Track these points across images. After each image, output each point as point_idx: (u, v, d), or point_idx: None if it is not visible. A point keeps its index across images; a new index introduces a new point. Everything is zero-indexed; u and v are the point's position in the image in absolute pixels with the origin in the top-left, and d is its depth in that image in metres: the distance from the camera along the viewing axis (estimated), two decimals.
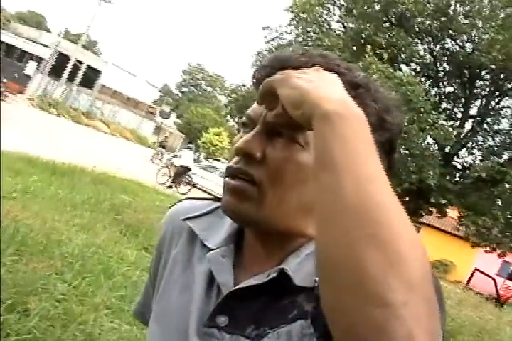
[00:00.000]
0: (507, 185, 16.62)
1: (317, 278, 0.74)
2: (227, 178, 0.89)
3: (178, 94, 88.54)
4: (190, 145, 22.14)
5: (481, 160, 18.47)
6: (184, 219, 1.03)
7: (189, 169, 19.39)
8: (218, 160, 53.85)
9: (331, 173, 0.65)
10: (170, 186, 18.89)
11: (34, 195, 7.52)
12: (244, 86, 22.70)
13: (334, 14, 19.99)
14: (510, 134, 18.73)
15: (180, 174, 19.15)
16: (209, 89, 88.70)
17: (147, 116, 56.80)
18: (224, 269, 0.93)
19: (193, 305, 0.92)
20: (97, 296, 4.34)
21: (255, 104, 0.89)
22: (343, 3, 19.31)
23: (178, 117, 71.43)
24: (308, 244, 0.90)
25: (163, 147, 30.53)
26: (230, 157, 0.91)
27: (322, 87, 0.72)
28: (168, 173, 19.55)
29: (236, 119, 23.01)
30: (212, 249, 0.96)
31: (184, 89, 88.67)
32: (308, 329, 0.82)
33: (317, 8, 18.95)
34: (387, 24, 17.62)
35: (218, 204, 1.01)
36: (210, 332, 0.88)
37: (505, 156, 18.63)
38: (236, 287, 0.89)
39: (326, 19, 19.68)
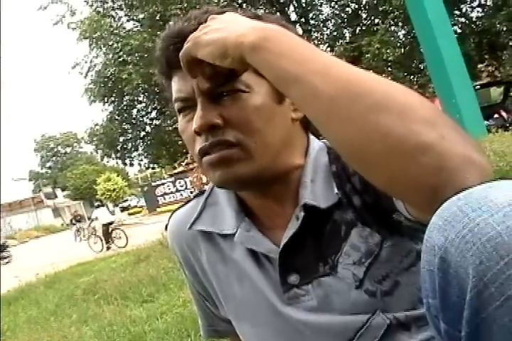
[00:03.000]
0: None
1: (337, 191, 0.91)
2: (205, 157, 0.88)
3: (47, 172, 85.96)
4: (98, 204, 21.46)
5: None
6: (190, 228, 1.04)
7: (111, 223, 18.86)
8: (125, 201, 52.19)
9: (295, 83, 0.66)
10: (108, 248, 18.24)
11: None
12: (96, 125, 22.21)
13: (121, 17, 19.88)
14: (338, 16, 19.09)
15: (108, 231, 18.54)
16: (68, 149, 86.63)
17: (38, 206, 55.30)
18: (258, 240, 0.96)
19: (260, 285, 0.96)
20: None
21: (176, 87, 0.90)
22: (120, 3, 19.12)
23: (63, 190, 69.66)
24: (303, 172, 0.94)
25: (79, 221, 28.86)
26: (190, 145, 0.91)
27: (231, 27, 0.74)
28: (98, 238, 18.89)
29: (112, 155, 22.48)
30: (234, 233, 0.98)
31: (49, 164, 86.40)
32: (365, 231, 0.89)
33: (102, 21, 18.68)
34: None
35: (203, 195, 1.07)
36: (292, 294, 0.92)
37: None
38: (281, 245, 0.92)
39: (117, 25, 19.46)
